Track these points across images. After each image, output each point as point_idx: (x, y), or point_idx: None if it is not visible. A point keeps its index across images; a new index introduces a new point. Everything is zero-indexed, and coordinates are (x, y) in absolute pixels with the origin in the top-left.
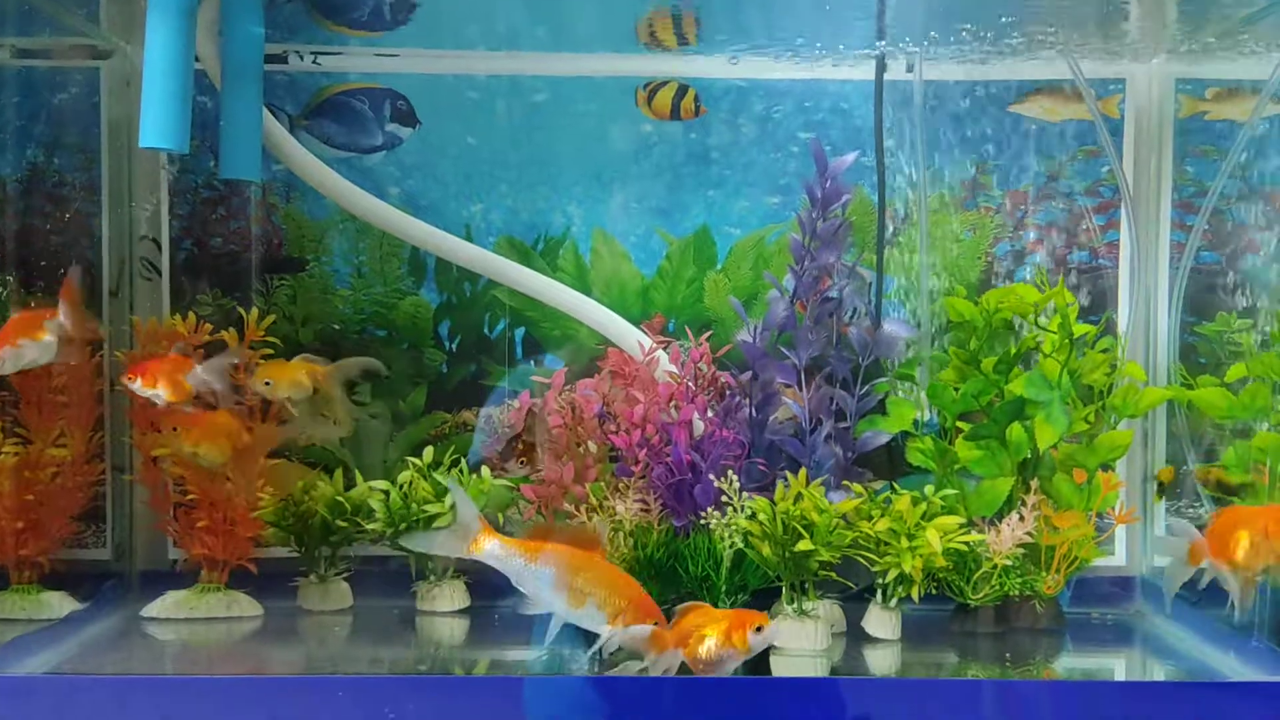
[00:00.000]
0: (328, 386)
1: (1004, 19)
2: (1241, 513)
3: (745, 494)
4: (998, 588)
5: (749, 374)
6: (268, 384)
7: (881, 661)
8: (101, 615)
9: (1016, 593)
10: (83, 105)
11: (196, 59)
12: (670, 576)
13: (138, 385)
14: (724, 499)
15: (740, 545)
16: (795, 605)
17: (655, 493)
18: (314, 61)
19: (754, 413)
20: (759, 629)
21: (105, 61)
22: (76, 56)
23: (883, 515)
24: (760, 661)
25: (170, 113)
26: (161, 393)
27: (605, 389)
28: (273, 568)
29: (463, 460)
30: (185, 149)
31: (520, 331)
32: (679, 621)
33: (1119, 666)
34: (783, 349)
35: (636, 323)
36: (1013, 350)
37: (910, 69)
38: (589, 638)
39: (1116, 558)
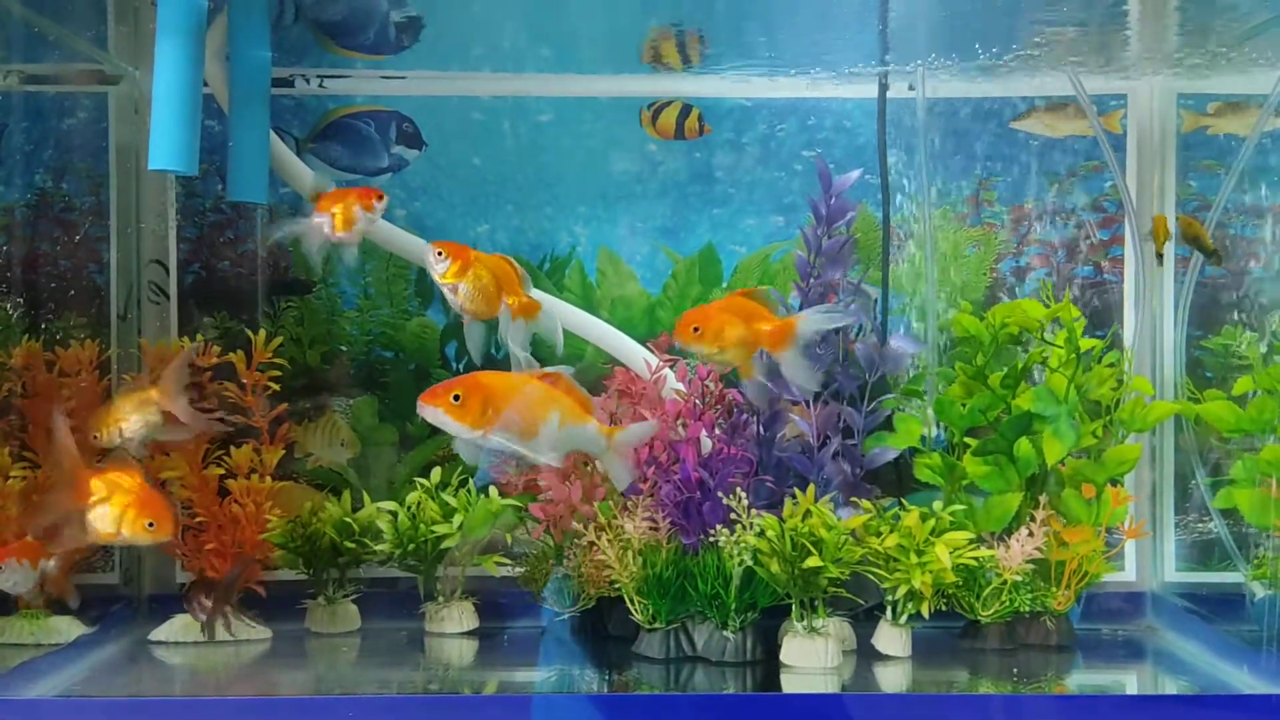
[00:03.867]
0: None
1: (1006, 36)
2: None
3: (754, 511)
4: (1008, 604)
5: None
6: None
7: (892, 678)
8: (110, 639)
9: (1027, 609)
10: (91, 130)
11: (205, 83)
12: (680, 595)
13: None
14: (732, 517)
15: (749, 563)
16: (805, 623)
17: (664, 511)
18: (320, 85)
19: (761, 430)
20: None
21: (114, 87)
22: (85, 82)
23: (891, 531)
24: (771, 679)
25: (179, 135)
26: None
27: (613, 408)
28: (281, 590)
29: (470, 481)
30: (194, 171)
31: None
32: None
33: (1131, 682)
34: None
35: (643, 341)
36: (1019, 365)
37: (912, 87)
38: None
39: (1126, 573)
